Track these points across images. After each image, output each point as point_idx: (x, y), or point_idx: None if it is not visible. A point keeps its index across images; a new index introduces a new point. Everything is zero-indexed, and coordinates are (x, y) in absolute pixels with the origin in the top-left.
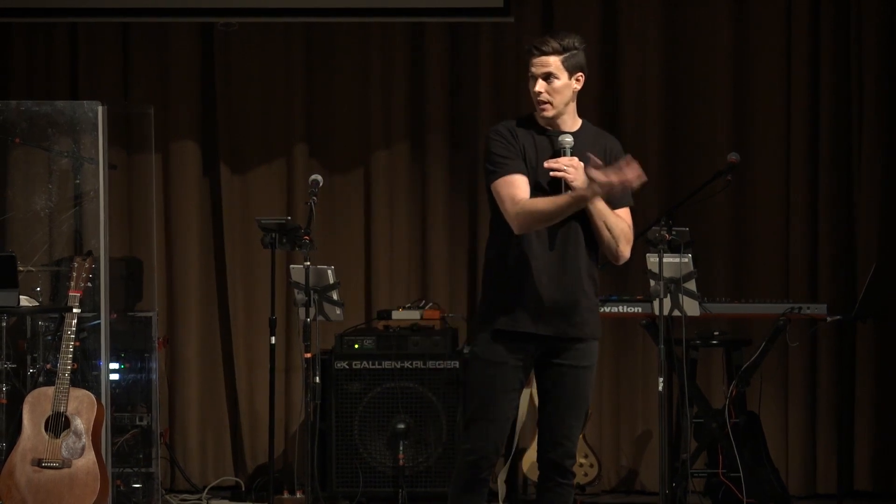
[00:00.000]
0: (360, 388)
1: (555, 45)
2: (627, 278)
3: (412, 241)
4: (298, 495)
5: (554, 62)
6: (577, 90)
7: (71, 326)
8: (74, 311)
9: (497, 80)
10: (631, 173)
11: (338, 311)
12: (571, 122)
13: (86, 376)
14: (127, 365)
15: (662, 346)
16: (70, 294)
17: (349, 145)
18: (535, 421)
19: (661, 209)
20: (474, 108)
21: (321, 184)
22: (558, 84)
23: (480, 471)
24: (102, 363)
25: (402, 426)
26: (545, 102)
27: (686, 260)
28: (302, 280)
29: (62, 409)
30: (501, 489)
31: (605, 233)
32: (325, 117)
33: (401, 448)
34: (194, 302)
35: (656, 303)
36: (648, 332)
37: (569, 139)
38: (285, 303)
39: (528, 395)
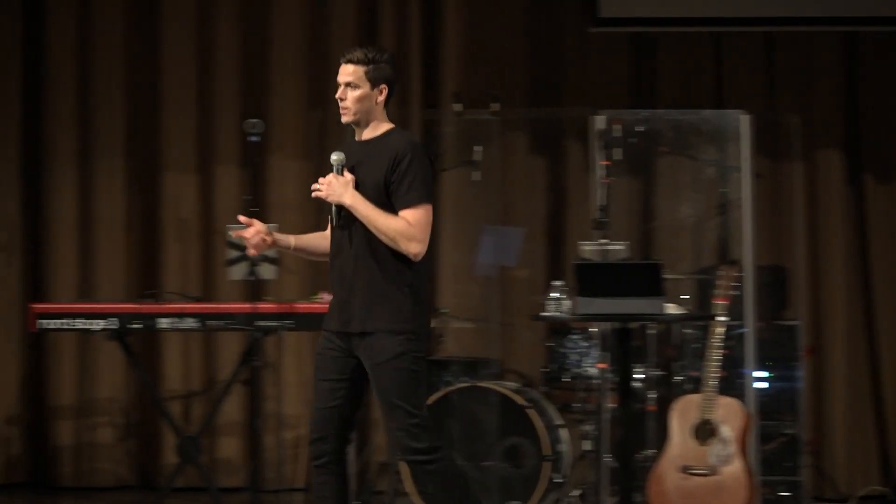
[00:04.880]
0: None
1: (359, 55)
2: None
3: None
4: None
5: (355, 71)
6: (380, 101)
7: (717, 334)
8: (719, 319)
9: None
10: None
11: None
12: (371, 130)
13: (732, 384)
14: (773, 373)
15: None
16: (715, 302)
17: None
18: None
19: None
20: None
21: None
22: (359, 93)
23: (314, 457)
24: (748, 371)
25: None
26: (343, 108)
27: None
28: None
29: (709, 416)
30: None
31: (380, 235)
32: None
33: None
34: (839, 310)
35: None
36: None
37: (335, 157)
38: None
39: None
